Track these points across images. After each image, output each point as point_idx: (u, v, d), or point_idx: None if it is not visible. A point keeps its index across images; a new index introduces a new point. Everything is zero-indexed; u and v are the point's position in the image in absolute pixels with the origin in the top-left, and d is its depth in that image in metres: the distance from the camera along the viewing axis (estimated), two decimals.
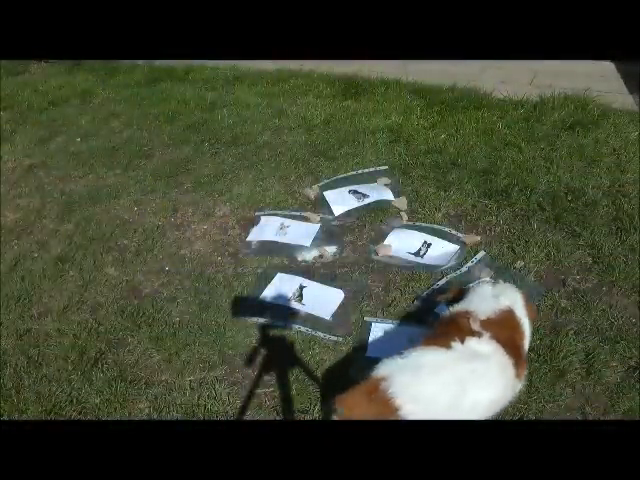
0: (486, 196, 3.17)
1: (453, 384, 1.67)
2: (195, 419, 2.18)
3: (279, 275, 2.82)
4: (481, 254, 2.78)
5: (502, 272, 2.65)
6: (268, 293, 2.73)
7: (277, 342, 2.47)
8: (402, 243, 2.91)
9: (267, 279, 2.80)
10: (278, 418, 2.16)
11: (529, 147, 3.52)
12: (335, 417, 1.60)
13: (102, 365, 2.45)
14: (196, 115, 4.45)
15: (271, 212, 3.29)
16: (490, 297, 1.93)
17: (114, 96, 4.97)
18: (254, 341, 2.49)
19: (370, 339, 2.40)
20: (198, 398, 2.26)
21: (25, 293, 2.89)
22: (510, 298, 1.94)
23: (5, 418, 2.26)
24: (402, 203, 3.21)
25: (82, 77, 5.44)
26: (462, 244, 2.87)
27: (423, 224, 3.06)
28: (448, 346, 1.74)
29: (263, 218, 3.25)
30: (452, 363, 1.71)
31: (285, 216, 3.24)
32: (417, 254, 2.85)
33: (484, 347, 1.76)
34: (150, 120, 4.47)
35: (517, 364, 1.80)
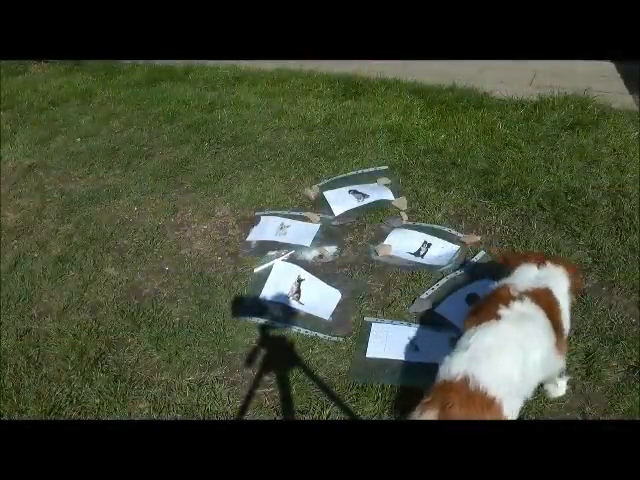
0: (486, 196, 3.17)
1: (518, 352, 1.73)
2: (195, 419, 2.18)
3: (277, 263, 2.86)
4: (481, 254, 2.78)
5: (502, 272, 2.65)
6: (267, 286, 2.75)
7: (277, 342, 2.47)
8: (402, 243, 2.91)
9: (267, 279, 2.80)
10: (278, 418, 2.16)
11: (529, 147, 3.52)
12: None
13: (102, 365, 2.45)
14: (196, 115, 4.45)
15: (271, 212, 3.29)
16: (531, 276, 2.00)
17: (114, 96, 4.96)
18: (254, 341, 2.49)
19: (370, 339, 2.40)
20: (198, 398, 2.26)
21: (25, 293, 2.89)
22: (551, 280, 1.98)
23: (5, 418, 2.26)
24: (402, 203, 3.21)
25: (82, 77, 5.44)
26: (462, 244, 2.87)
27: (423, 224, 3.06)
28: (497, 316, 1.79)
29: (263, 218, 3.25)
30: (508, 331, 1.76)
31: (285, 216, 3.24)
32: (417, 254, 2.85)
33: (528, 308, 1.84)
34: (150, 120, 4.47)
35: (557, 338, 1.87)
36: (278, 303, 2.67)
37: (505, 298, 1.87)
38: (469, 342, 1.75)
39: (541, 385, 2.05)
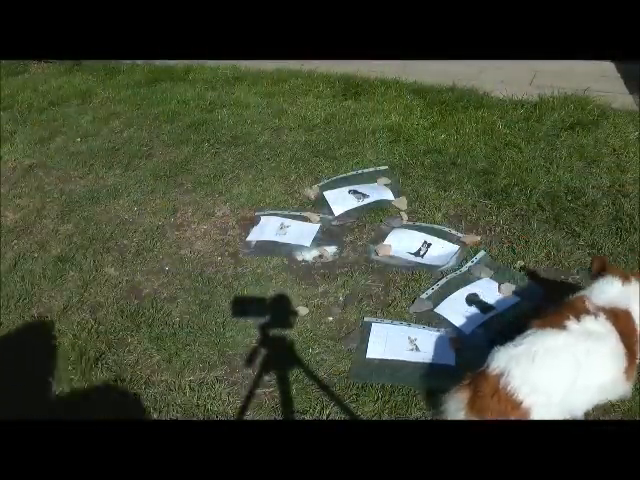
0: (486, 196, 3.17)
1: (569, 368, 1.65)
2: (195, 419, 2.18)
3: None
4: (481, 254, 2.78)
5: (502, 272, 2.66)
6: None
7: (277, 342, 2.48)
8: (402, 243, 2.91)
9: (267, 279, 2.81)
10: (278, 418, 2.16)
11: (529, 147, 3.52)
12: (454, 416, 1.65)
13: (102, 365, 2.45)
14: (196, 115, 4.45)
15: (271, 212, 3.29)
16: (614, 293, 1.88)
17: (114, 96, 4.96)
18: (254, 341, 2.49)
19: (370, 339, 2.40)
20: (198, 398, 2.26)
21: (25, 293, 2.89)
22: (633, 302, 1.86)
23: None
24: (402, 203, 3.21)
25: (82, 77, 5.44)
26: (462, 244, 2.87)
27: (423, 224, 3.06)
28: (562, 326, 1.72)
29: (263, 218, 3.25)
30: (567, 344, 1.68)
31: (285, 216, 3.24)
32: (417, 254, 2.85)
33: (600, 326, 1.74)
34: (150, 120, 4.47)
35: (628, 362, 1.76)
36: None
37: (578, 311, 1.78)
38: (522, 341, 1.71)
39: None
